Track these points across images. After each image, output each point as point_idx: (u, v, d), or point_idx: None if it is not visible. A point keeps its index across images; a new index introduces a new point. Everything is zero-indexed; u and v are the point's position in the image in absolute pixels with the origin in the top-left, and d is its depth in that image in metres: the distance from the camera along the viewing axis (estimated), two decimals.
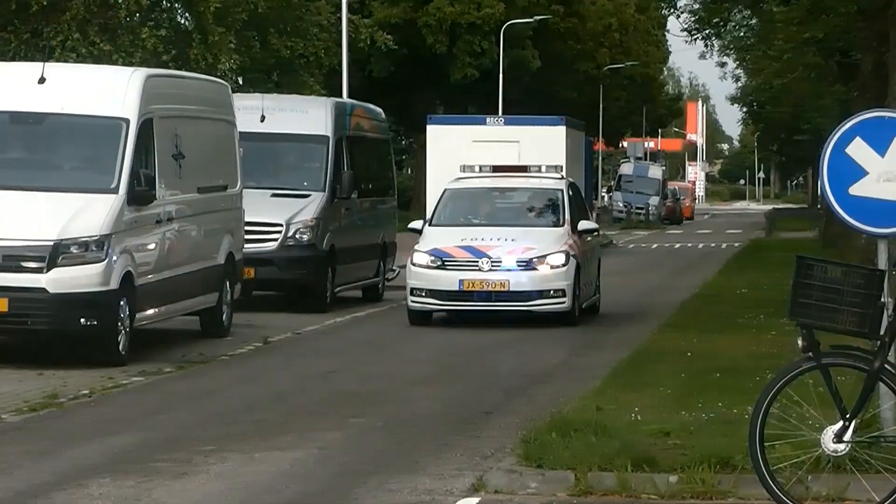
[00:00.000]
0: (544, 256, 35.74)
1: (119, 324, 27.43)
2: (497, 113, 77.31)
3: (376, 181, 47.58)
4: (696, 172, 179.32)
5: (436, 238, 36.27)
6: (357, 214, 43.96)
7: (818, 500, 15.29)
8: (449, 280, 34.83)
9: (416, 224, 38.74)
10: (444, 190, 38.99)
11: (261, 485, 17.78)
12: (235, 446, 20.01)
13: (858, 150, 16.85)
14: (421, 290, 33.90)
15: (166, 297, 30.25)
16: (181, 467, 18.60)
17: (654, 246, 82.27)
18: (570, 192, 39.31)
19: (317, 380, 26.37)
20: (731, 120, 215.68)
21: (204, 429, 22.25)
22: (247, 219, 36.73)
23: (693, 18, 69.41)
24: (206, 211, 31.68)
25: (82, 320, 26.91)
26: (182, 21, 63.29)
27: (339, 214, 41.96)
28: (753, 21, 71.34)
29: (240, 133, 35.48)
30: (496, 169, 40.69)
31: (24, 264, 26.77)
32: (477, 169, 39.00)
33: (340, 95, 56.26)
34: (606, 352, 30.52)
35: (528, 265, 35.66)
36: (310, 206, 40.46)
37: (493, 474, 17.40)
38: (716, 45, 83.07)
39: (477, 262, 34.92)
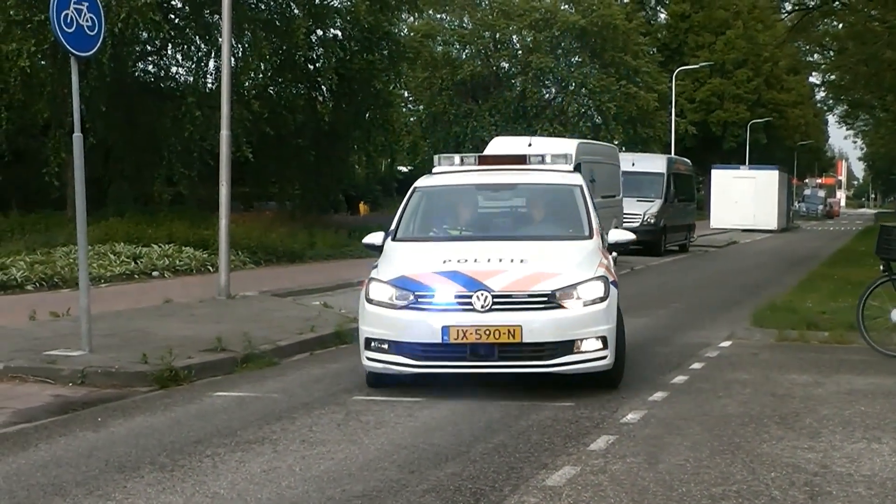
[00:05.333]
0: (573, 287, 11.65)
1: None
2: (745, 164, 75.54)
3: (685, 194, 46.00)
4: (841, 194, 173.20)
5: (402, 259, 12.44)
6: (677, 209, 42.63)
7: (889, 345, 14.62)
8: (425, 327, 11.38)
9: (374, 238, 13.31)
10: (413, 189, 14.16)
11: (634, 329, 17.56)
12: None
13: None
14: (381, 341, 11.67)
15: None
16: None
17: (820, 229, 79.24)
18: (588, 192, 14.07)
19: (658, 284, 25.80)
20: (858, 169, 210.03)
21: None
22: (626, 211, 35.32)
23: (839, 119, 68.13)
24: (605, 207, 31.01)
25: None
26: (597, 120, 62.84)
27: (668, 210, 40.77)
28: (870, 119, 69.10)
29: (622, 171, 34.89)
30: (483, 160, 14.78)
31: None
32: (457, 161, 14.48)
33: (671, 153, 55.14)
34: (798, 273, 29.16)
35: (549, 300, 11.47)
36: (655, 206, 39.32)
37: (737, 330, 16.89)
38: (851, 132, 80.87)
39: (469, 296, 11.40)
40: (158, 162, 35.96)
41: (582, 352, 11.44)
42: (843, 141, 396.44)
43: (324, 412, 10.82)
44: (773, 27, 61.89)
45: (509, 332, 11.19)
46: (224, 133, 20.12)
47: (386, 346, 11.57)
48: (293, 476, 8.35)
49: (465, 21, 64.19)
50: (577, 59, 64.54)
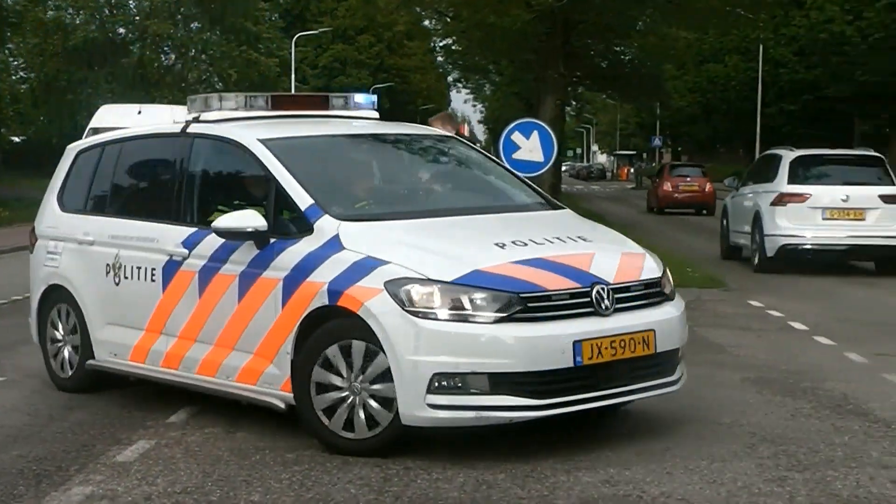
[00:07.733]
0: (662, 274, 7.97)
1: None
2: None
3: None
4: None
5: (436, 247, 7.33)
6: None
7: None
8: (550, 345, 6.82)
9: (243, 220, 7.82)
10: (263, 142, 8.20)
11: None
12: None
13: (517, 137, 17.18)
14: (460, 376, 6.77)
15: None
16: None
17: None
18: None
19: None
20: (480, 132, 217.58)
21: None
22: None
23: (452, 82, 70.36)
24: None
25: None
26: (218, 86, 62.25)
27: None
28: (484, 82, 71.52)
29: None
30: (278, 103, 9.23)
31: None
32: (240, 103, 9.03)
33: None
34: None
35: (659, 291, 7.82)
36: None
37: None
38: (471, 95, 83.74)
39: (587, 293, 7.20)
40: None
41: (679, 363, 8.14)
42: (464, 105, 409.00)
43: None
44: None
45: (643, 339, 7.56)
46: None
47: (464, 383, 7.04)
48: None
49: None
50: (196, 24, 64.00)
